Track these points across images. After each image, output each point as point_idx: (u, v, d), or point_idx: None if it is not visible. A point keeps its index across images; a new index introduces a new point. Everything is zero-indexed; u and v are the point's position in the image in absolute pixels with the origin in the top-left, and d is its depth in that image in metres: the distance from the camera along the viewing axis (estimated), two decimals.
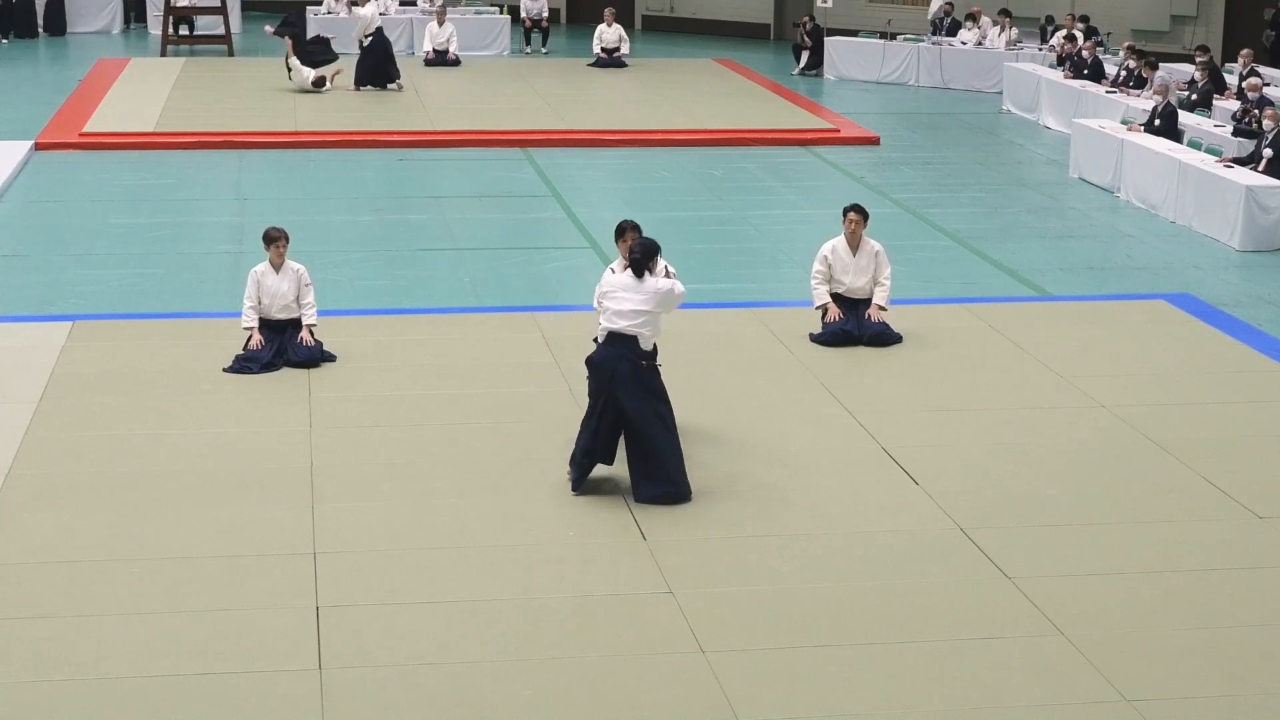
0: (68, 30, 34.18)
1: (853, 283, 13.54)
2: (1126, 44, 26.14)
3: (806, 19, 31.18)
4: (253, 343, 12.59)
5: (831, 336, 13.40)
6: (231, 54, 30.91)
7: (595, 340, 10.44)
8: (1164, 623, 8.75)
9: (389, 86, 26.84)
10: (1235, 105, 21.94)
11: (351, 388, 12.24)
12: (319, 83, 26.30)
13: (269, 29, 27.92)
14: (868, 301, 13.58)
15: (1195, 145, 19.98)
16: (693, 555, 9.44)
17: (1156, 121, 20.75)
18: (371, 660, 8.19)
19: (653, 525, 9.83)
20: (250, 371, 12.44)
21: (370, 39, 26.88)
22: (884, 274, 13.57)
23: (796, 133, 24.11)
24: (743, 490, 10.38)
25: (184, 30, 32.12)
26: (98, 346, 13.07)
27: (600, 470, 10.53)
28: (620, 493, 10.29)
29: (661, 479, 10.09)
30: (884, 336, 13.40)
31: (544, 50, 32.66)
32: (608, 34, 30.38)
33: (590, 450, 10.22)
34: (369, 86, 26.70)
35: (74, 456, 10.79)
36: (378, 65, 26.85)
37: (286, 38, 26.71)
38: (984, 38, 29.67)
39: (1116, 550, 9.63)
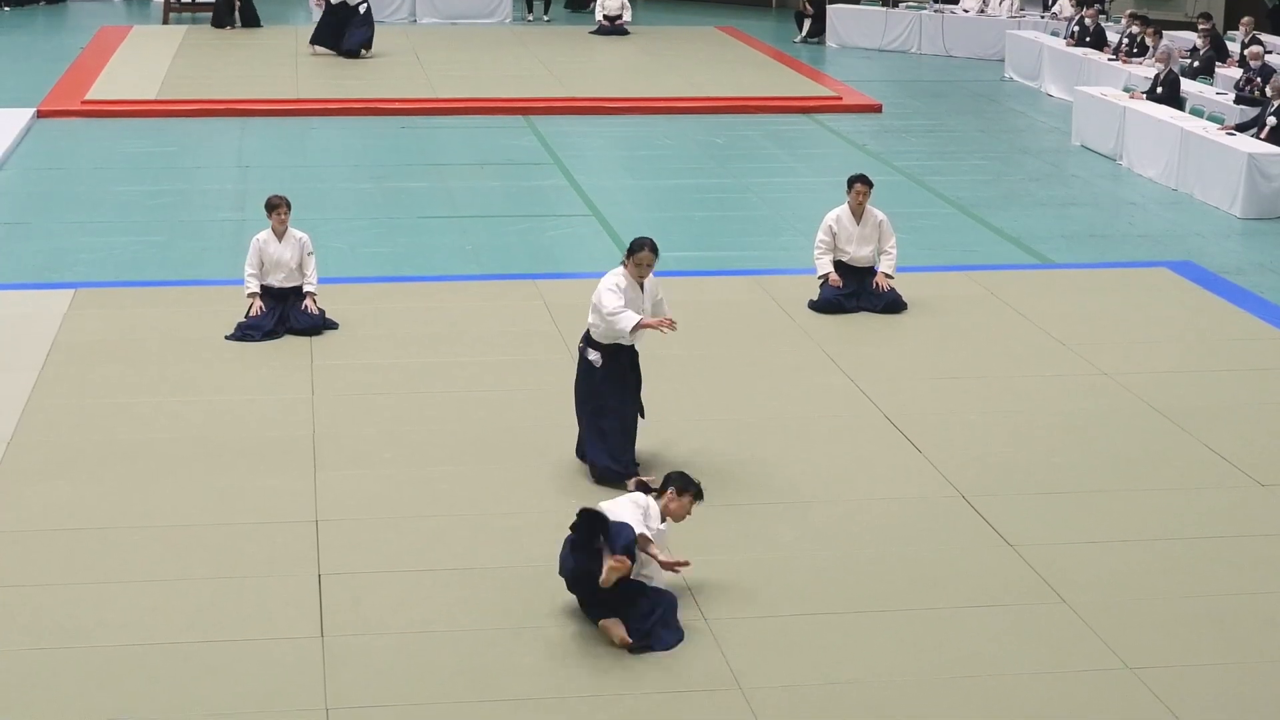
0: None
1: (856, 252, 13.55)
2: (1129, 11, 26.05)
3: None
4: (254, 309, 12.58)
5: (826, 305, 13.41)
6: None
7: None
8: (1166, 590, 8.76)
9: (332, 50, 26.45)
10: (1237, 73, 21.88)
11: (353, 355, 12.23)
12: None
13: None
14: (871, 270, 13.60)
15: (1197, 113, 19.94)
16: (693, 523, 9.39)
17: (1158, 89, 20.70)
18: (373, 628, 8.21)
19: None
20: (252, 339, 12.44)
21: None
22: (889, 243, 13.59)
23: (799, 100, 24.03)
24: (744, 458, 10.38)
25: None
26: (100, 314, 13.07)
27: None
28: None
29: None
30: (896, 304, 13.43)
31: (545, 18, 32.55)
32: (609, 1, 30.28)
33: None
34: (319, 47, 26.44)
35: (76, 424, 10.79)
36: (333, 28, 26.46)
37: None
38: (986, 5, 29.56)
39: (1119, 518, 9.64)
